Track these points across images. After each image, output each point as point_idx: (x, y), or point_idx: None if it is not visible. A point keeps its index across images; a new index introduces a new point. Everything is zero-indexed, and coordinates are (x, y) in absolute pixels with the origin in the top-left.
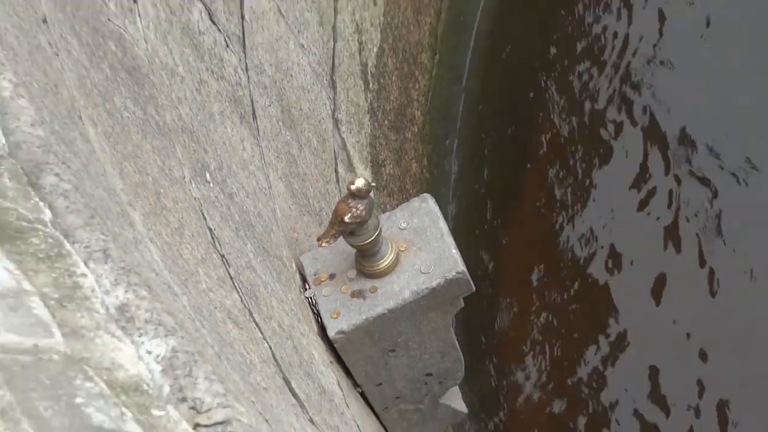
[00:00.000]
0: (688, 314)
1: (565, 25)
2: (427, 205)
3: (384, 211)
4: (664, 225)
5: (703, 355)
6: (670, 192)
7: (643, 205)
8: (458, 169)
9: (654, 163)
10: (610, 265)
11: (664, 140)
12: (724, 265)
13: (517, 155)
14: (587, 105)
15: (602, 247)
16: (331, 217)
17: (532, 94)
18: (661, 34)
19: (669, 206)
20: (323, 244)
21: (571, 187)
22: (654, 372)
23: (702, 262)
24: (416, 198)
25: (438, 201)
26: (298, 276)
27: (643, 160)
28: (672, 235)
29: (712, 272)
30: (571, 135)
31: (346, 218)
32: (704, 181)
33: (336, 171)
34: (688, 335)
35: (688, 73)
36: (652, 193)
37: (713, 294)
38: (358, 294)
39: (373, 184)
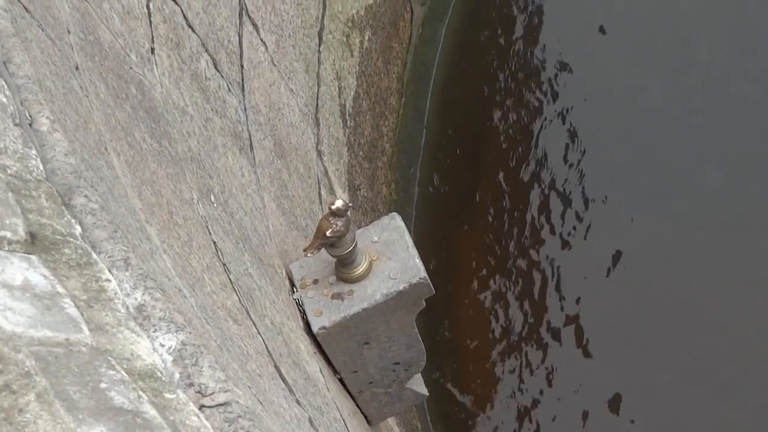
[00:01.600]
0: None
1: (507, 68)
2: (395, 222)
3: (359, 227)
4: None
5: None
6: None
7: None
8: (420, 191)
9: (572, 183)
10: (546, 257)
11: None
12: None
13: (469, 176)
14: (526, 128)
15: (540, 242)
16: (315, 231)
17: (478, 128)
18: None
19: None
20: (308, 255)
21: (513, 197)
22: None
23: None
24: (386, 216)
25: (404, 219)
26: (287, 281)
27: (566, 179)
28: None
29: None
30: (514, 155)
31: (328, 233)
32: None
33: (319, 194)
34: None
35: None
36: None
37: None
38: (338, 296)
39: (350, 204)
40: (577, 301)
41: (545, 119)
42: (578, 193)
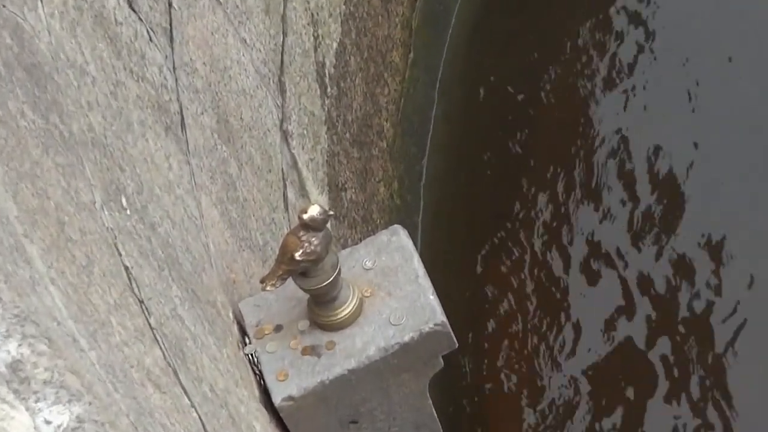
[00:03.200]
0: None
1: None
2: (398, 240)
3: (345, 247)
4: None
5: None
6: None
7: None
8: (433, 193)
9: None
10: (610, 305)
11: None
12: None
13: (505, 172)
14: (589, 107)
15: (604, 279)
16: (278, 253)
17: (521, 97)
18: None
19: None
20: (268, 288)
21: (570, 205)
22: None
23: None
24: (385, 230)
25: (411, 233)
26: (236, 327)
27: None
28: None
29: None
30: (571, 144)
31: (297, 255)
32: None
33: (284, 196)
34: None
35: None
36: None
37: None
38: (312, 350)
39: (331, 212)
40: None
41: (620, 99)
42: (660, 215)
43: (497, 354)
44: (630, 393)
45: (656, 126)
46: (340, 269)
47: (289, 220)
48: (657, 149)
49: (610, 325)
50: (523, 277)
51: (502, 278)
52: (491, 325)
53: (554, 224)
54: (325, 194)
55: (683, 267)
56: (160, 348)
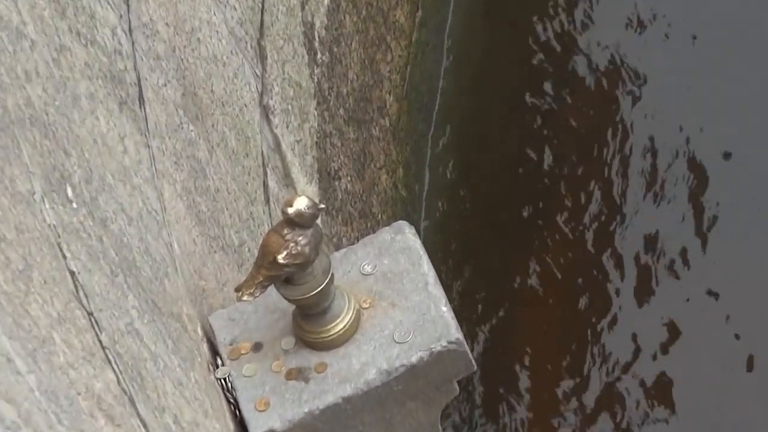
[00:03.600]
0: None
1: None
2: (403, 239)
3: (339, 248)
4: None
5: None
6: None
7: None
8: (447, 182)
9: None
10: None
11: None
12: None
13: (531, 157)
14: (626, 93)
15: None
16: (257, 255)
17: (548, 65)
18: None
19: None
20: (245, 298)
21: (597, 206)
22: None
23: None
24: (388, 228)
25: (420, 231)
26: (206, 345)
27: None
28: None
29: None
30: (603, 134)
31: (280, 257)
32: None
33: (265, 185)
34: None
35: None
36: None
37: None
38: (298, 374)
39: (322, 205)
40: None
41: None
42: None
43: (525, 378)
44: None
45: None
46: (332, 275)
47: (270, 215)
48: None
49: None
50: (555, 284)
51: (529, 285)
52: (517, 341)
53: (590, 216)
54: (314, 183)
55: (719, 270)
56: (114, 371)
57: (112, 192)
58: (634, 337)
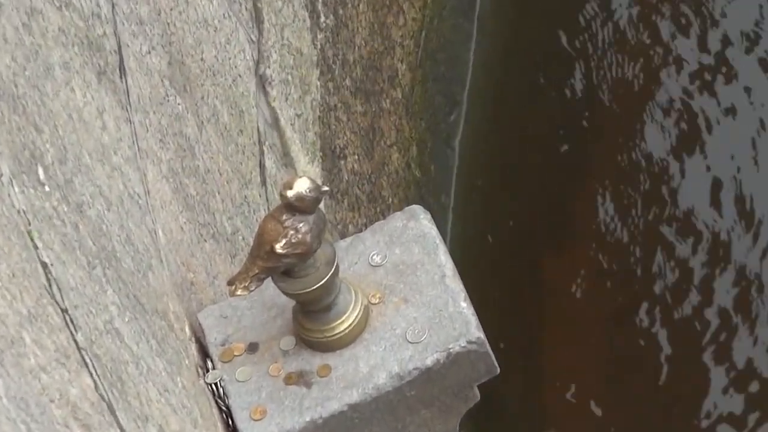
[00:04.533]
0: None
1: None
2: (417, 225)
3: (344, 236)
4: None
5: None
6: None
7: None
8: (466, 163)
9: None
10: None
11: None
12: None
13: (565, 136)
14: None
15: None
16: (252, 244)
17: (584, 30)
18: None
19: None
20: (239, 292)
21: (635, 196)
22: None
23: None
24: (399, 213)
25: (436, 217)
26: (194, 346)
27: None
28: None
29: None
30: (643, 115)
31: (279, 247)
32: None
33: (261, 165)
34: None
35: None
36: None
37: None
38: (299, 378)
39: (325, 188)
40: None
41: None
42: None
43: (556, 384)
44: None
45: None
46: (337, 266)
47: (267, 199)
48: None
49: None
50: (587, 276)
51: (559, 279)
52: (546, 341)
53: (628, 210)
54: (316, 163)
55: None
56: (91, 375)
57: (89, 173)
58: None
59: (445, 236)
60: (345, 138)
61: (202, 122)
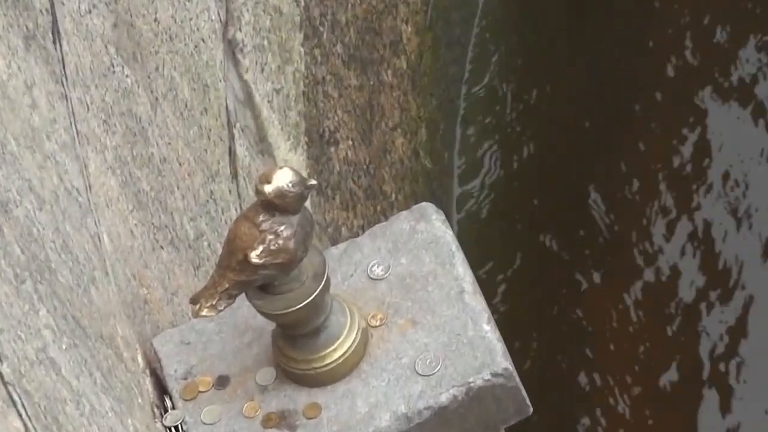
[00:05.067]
0: None
1: None
2: (428, 228)
3: (336, 241)
4: None
5: None
6: None
7: None
8: (488, 147)
9: None
10: None
11: None
12: None
13: (604, 113)
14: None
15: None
16: (221, 252)
17: None
18: None
19: None
20: (204, 312)
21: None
22: None
23: None
24: (406, 212)
25: (451, 217)
26: (149, 380)
27: None
28: None
29: None
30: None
31: (254, 255)
32: None
33: (231, 153)
34: None
35: None
36: None
37: None
38: (280, 421)
39: (312, 181)
40: None
41: None
42: None
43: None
44: None
45: None
46: (328, 279)
47: (239, 196)
48: None
49: None
50: (632, 291)
51: (601, 294)
52: (588, 370)
53: (675, 204)
54: (301, 150)
55: None
56: (20, 416)
57: (15, 164)
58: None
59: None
60: (336, 119)
61: (157, 99)
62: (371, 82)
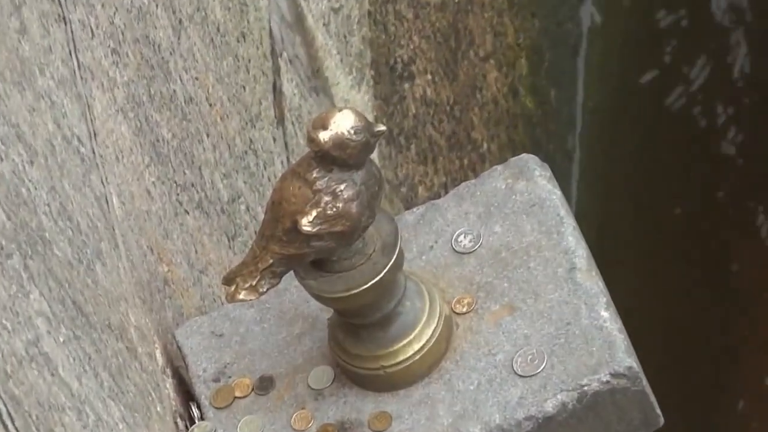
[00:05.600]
0: None
1: None
2: (530, 188)
3: (411, 204)
4: None
5: None
6: None
7: None
8: (618, 80)
9: None
10: None
11: None
12: None
13: None
14: None
15: None
16: (263, 218)
17: None
18: None
19: None
20: (242, 296)
21: None
22: None
23: None
24: (501, 167)
25: (559, 173)
26: (170, 383)
27: None
28: None
29: None
30: None
31: (306, 222)
32: None
33: (276, 91)
34: None
35: None
36: None
37: None
38: None
39: (381, 127)
40: None
41: None
42: None
43: None
44: None
45: None
46: (401, 253)
47: (286, 146)
48: None
49: None
50: None
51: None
52: (742, 369)
53: None
54: (366, 87)
55: None
56: (5, 427)
57: (0, 105)
58: None
59: (572, 203)
60: (411, 46)
61: (181, 21)
62: (456, 0)
